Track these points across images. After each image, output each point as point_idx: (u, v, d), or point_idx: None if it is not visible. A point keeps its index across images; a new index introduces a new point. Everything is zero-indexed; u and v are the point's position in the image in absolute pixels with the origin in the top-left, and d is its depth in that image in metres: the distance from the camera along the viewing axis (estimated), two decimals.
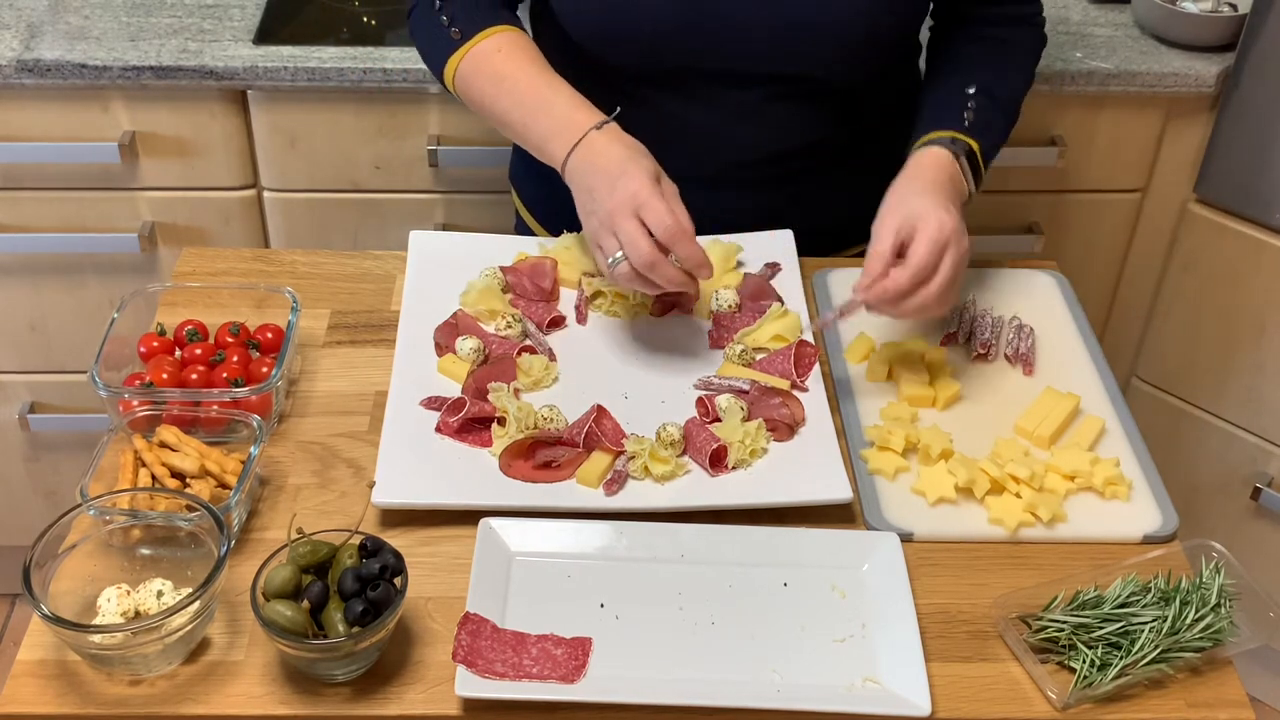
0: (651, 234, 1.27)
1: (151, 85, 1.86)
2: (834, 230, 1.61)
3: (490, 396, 1.31)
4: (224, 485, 1.22)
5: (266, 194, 1.99)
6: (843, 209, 1.60)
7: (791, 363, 1.37)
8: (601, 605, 1.16)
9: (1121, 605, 1.14)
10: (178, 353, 1.36)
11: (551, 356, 1.40)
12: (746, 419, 1.31)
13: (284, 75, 1.85)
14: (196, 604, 1.06)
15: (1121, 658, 1.11)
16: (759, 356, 1.40)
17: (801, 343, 1.40)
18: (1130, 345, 2.22)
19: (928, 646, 1.13)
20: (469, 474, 1.26)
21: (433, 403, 1.32)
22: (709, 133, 1.49)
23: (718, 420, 1.32)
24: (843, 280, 1.52)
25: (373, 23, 1.98)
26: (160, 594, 1.11)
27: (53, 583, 1.10)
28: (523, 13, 1.55)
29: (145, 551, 1.15)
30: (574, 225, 1.38)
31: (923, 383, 1.37)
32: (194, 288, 1.46)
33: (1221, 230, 2.01)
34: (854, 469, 1.30)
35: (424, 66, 1.53)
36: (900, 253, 1.30)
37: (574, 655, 1.10)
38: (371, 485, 1.22)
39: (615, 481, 1.25)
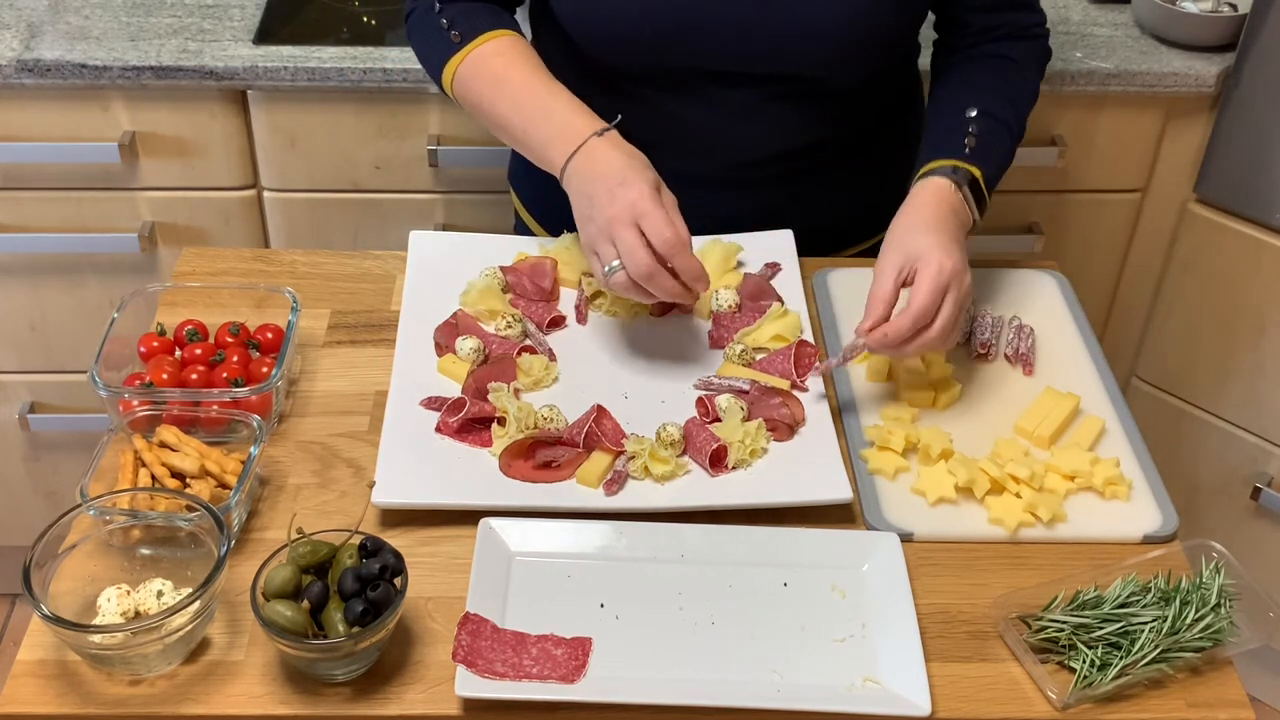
0: (650, 244, 1.27)
1: (151, 85, 1.86)
2: (834, 230, 1.61)
3: (490, 396, 1.31)
4: (224, 485, 1.22)
5: (266, 194, 1.99)
6: (843, 209, 1.60)
7: (791, 363, 1.37)
8: (601, 605, 1.16)
9: (1121, 605, 1.14)
10: (178, 353, 1.36)
11: (551, 356, 1.40)
12: (746, 419, 1.31)
13: (284, 75, 1.85)
14: (196, 604, 1.06)
15: (1121, 658, 1.11)
16: (759, 356, 1.40)
17: (801, 343, 1.40)
18: (1130, 345, 2.22)
19: (928, 646, 1.13)
20: (469, 474, 1.26)
21: (433, 403, 1.32)
22: (709, 133, 1.49)
23: (718, 420, 1.32)
24: (843, 280, 1.52)
25: (373, 23, 1.98)
26: (160, 594, 1.11)
27: (53, 583, 1.10)
28: (522, 14, 1.55)
29: (145, 551, 1.15)
30: (573, 225, 1.38)
31: (923, 383, 1.37)
32: (194, 288, 1.46)
33: (1221, 230, 2.01)
34: (854, 469, 1.30)
35: (415, 56, 1.52)
36: (907, 282, 1.31)
37: (574, 655, 1.10)
38: (371, 485, 1.22)
39: (615, 481, 1.25)
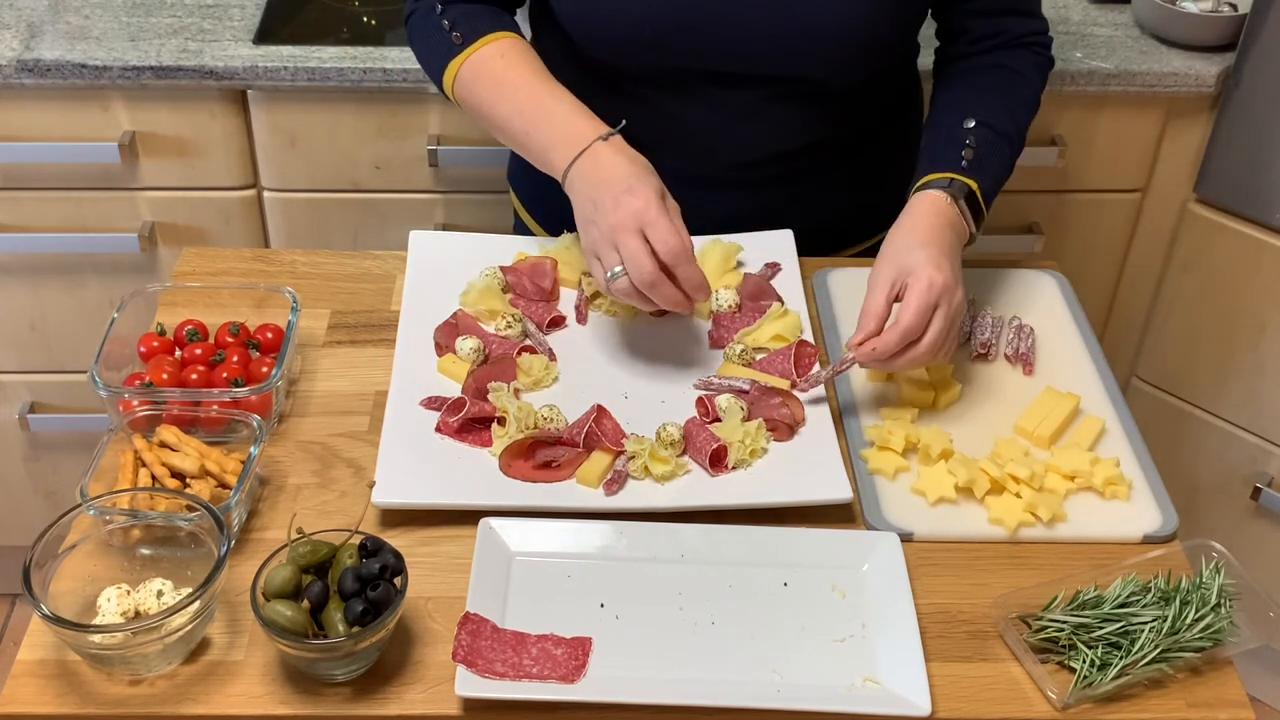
0: (654, 252, 1.27)
1: (151, 85, 1.86)
2: (834, 230, 1.61)
3: (490, 396, 1.31)
4: (224, 485, 1.22)
5: (266, 194, 1.99)
6: (843, 208, 1.60)
7: (791, 363, 1.37)
8: (601, 605, 1.16)
9: (1121, 605, 1.14)
10: (178, 353, 1.36)
11: (551, 356, 1.40)
12: (746, 419, 1.31)
13: (284, 75, 1.85)
14: (196, 604, 1.06)
15: (1121, 658, 1.11)
16: (759, 356, 1.40)
17: (801, 343, 1.40)
18: (1130, 345, 2.22)
19: (928, 646, 1.13)
20: (469, 474, 1.26)
21: (433, 403, 1.32)
22: (709, 133, 1.49)
23: (718, 420, 1.32)
24: (843, 280, 1.52)
25: (373, 23, 1.98)
26: (160, 594, 1.11)
27: (53, 583, 1.10)
28: (521, 14, 1.55)
29: (145, 551, 1.15)
30: (573, 225, 1.38)
31: (923, 383, 1.37)
32: (194, 288, 1.46)
33: (1221, 230, 2.01)
34: (854, 469, 1.30)
35: (415, 57, 1.52)
36: (899, 297, 1.31)
37: (574, 655, 1.10)
38: (371, 485, 1.22)
39: (615, 481, 1.25)
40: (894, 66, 1.56)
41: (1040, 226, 2.08)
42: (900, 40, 1.51)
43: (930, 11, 1.51)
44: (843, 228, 1.62)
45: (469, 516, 1.21)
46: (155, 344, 1.36)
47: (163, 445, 1.24)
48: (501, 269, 1.47)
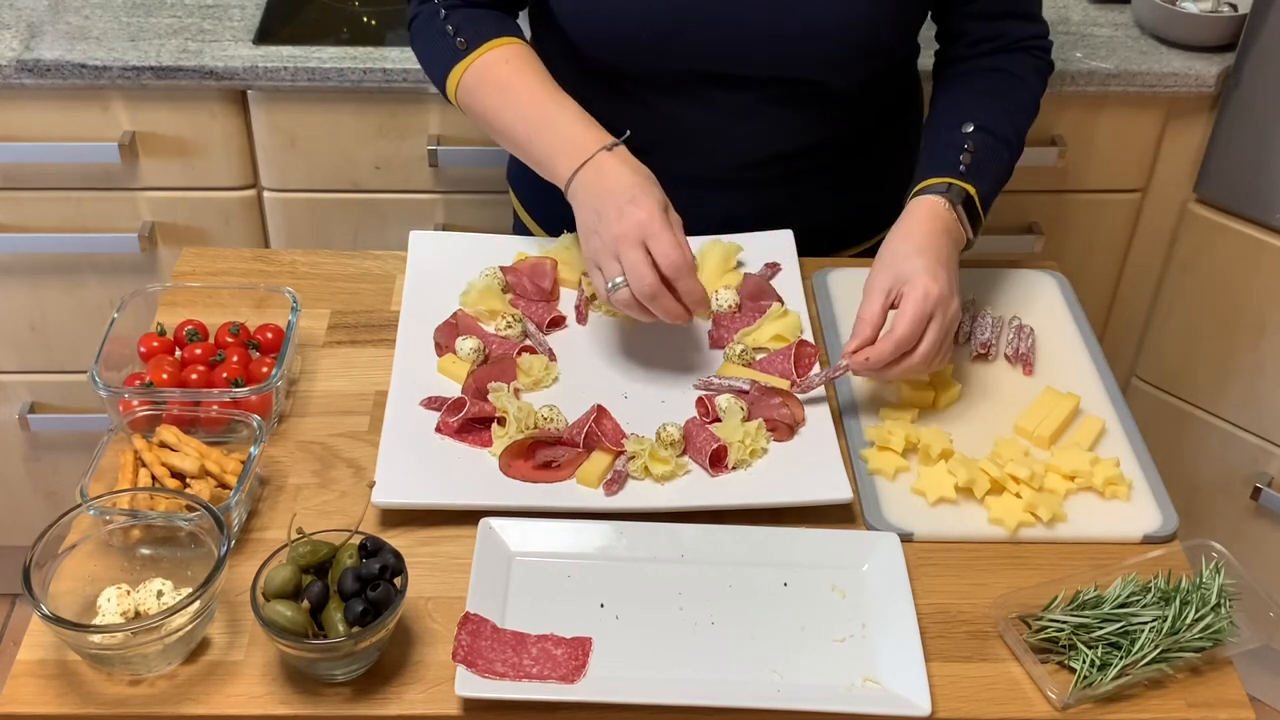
0: (655, 264, 1.27)
1: (151, 85, 1.86)
2: (834, 230, 1.61)
3: (490, 396, 1.31)
4: (224, 485, 1.22)
5: (266, 194, 1.99)
6: (843, 209, 1.60)
7: (791, 363, 1.37)
8: (601, 605, 1.16)
9: (1121, 605, 1.14)
10: (178, 353, 1.36)
11: (551, 356, 1.40)
12: (746, 419, 1.31)
13: (284, 75, 1.85)
14: (196, 604, 1.06)
15: (1121, 658, 1.11)
16: (759, 356, 1.40)
17: (801, 343, 1.40)
18: (1130, 345, 2.22)
19: (928, 646, 1.13)
20: (469, 474, 1.26)
21: (433, 403, 1.32)
22: (709, 134, 1.49)
23: (718, 420, 1.32)
24: (843, 281, 1.52)
25: (373, 23, 1.98)
26: (160, 594, 1.11)
27: (53, 583, 1.10)
28: (522, 15, 1.55)
29: (145, 551, 1.15)
30: (572, 226, 1.38)
31: (923, 383, 1.37)
32: (194, 288, 1.46)
33: (1221, 230, 2.01)
34: (854, 469, 1.30)
35: (418, 60, 1.52)
36: (895, 304, 1.31)
37: (574, 655, 1.10)
38: (371, 485, 1.22)
39: (615, 481, 1.25)
40: (894, 67, 1.56)
41: (1040, 226, 2.08)
42: (900, 41, 1.50)
43: (930, 14, 1.51)
44: (843, 228, 1.62)
45: (469, 516, 1.21)
46: (155, 344, 1.36)
47: (163, 445, 1.24)
48: (501, 269, 1.47)
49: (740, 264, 1.51)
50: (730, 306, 1.44)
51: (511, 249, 1.52)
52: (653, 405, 1.34)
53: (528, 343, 1.40)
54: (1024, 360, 1.43)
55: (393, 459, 1.25)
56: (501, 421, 1.29)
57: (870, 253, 1.60)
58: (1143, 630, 1.12)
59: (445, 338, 1.39)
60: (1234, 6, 1.98)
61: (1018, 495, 1.27)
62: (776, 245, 1.52)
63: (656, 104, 1.47)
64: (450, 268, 1.48)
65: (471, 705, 1.08)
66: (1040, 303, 1.52)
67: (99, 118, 1.90)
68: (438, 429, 1.30)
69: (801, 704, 1.08)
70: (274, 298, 1.40)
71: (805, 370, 1.37)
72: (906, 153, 1.52)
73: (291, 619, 1.05)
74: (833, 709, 1.08)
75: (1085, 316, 1.50)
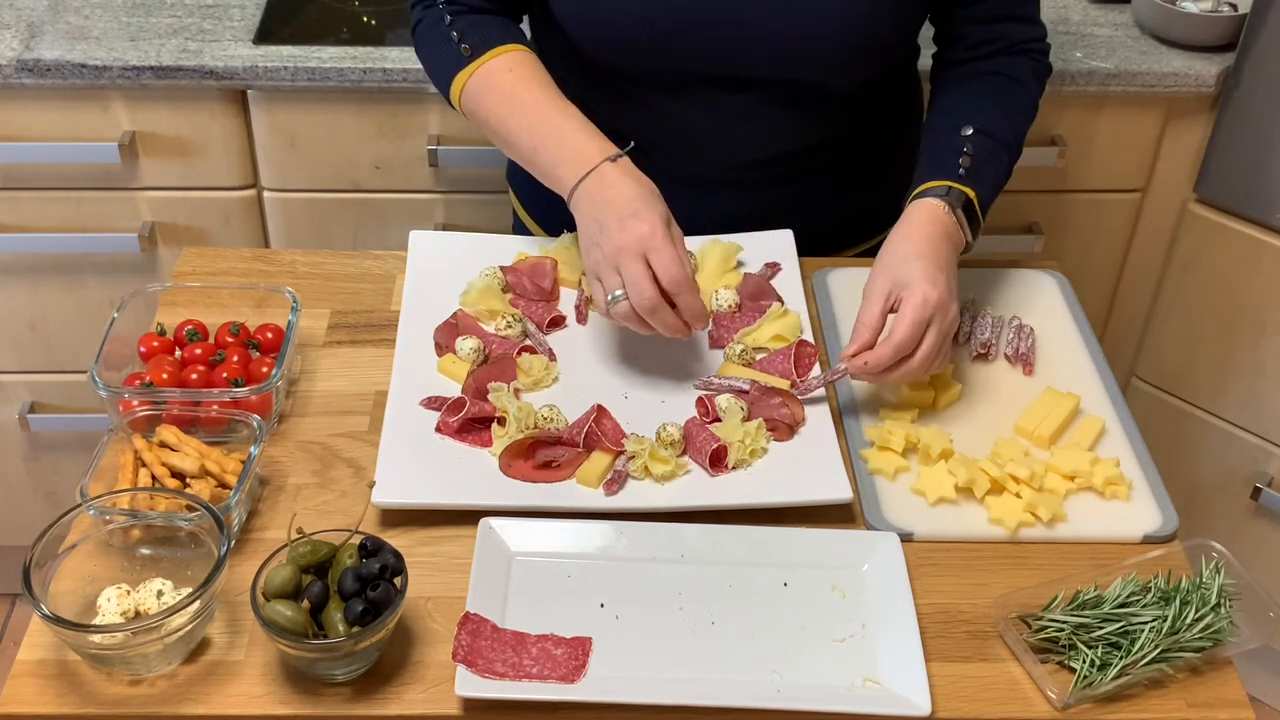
0: (656, 278, 1.27)
1: (151, 85, 1.86)
2: (834, 230, 1.61)
3: (490, 396, 1.31)
4: (224, 485, 1.22)
5: (266, 194, 1.99)
6: (843, 209, 1.60)
7: (791, 363, 1.37)
8: (601, 605, 1.16)
9: (1121, 605, 1.14)
10: (178, 353, 1.36)
11: (551, 356, 1.40)
12: (746, 419, 1.31)
13: (284, 75, 1.85)
14: (196, 604, 1.06)
15: (1121, 658, 1.11)
16: (759, 356, 1.40)
17: (801, 343, 1.40)
18: (1130, 345, 2.22)
19: (928, 646, 1.13)
20: (469, 474, 1.26)
21: (433, 403, 1.32)
22: (709, 134, 1.49)
23: (718, 420, 1.32)
24: (843, 281, 1.52)
25: (373, 23, 1.98)
26: (160, 594, 1.11)
27: (53, 583, 1.10)
28: (523, 21, 1.55)
29: (145, 551, 1.15)
30: (572, 226, 1.38)
31: (923, 383, 1.37)
32: (194, 288, 1.46)
33: (1221, 230, 2.01)
34: (854, 469, 1.30)
35: (422, 65, 1.52)
36: (894, 308, 1.31)
37: (574, 655, 1.10)
38: (371, 485, 1.22)
39: (615, 481, 1.25)
40: (894, 67, 1.55)
41: (1040, 226, 2.08)
42: (900, 42, 1.50)
43: (929, 19, 1.51)
44: (843, 228, 1.62)
45: (469, 516, 1.21)
46: (155, 344, 1.36)
47: (163, 445, 1.24)
48: (501, 269, 1.47)
49: (740, 264, 1.51)
50: (730, 306, 1.44)
51: (511, 249, 1.52)
52: (653, 405, 1.34)
53: (528, 343, 1.40)
54: (1024, 360, 1.43)
55: (393, 459, 1.25)
56: (501, 421, 1.29)
57: (870, 253, 1.60)
58: (1143, 630, 1.12)
59: (445, 338, 1.39)
60: (1234, 6, 1.98)
61: (1018, 495, 1.27)
62: (776, 245, 1.52)
63: (656, 104, 1.47)
64: (450, 268, 1.48)
65: (471, 705, 1.08)
66: (1040, 303, 1.52)
67: (99, 118, 1.90)
68: (438, 429, 1.30)
69: (801, 704, 1.08)
70: (274, 298, 1.40)
71: (805, 370, 1.37)
72: (906, 153, 1.51)
73: (291, 619, 1.05)
74: (833, 709, 1.08)
75: (1085, 316, 1.50)
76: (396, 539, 1.17)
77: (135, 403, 1.26)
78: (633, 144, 1.36)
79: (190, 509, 1.14)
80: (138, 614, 1.10)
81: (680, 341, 1.41)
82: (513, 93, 1.40)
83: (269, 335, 1.37)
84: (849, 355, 1.31)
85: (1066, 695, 1.10)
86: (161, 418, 1.26)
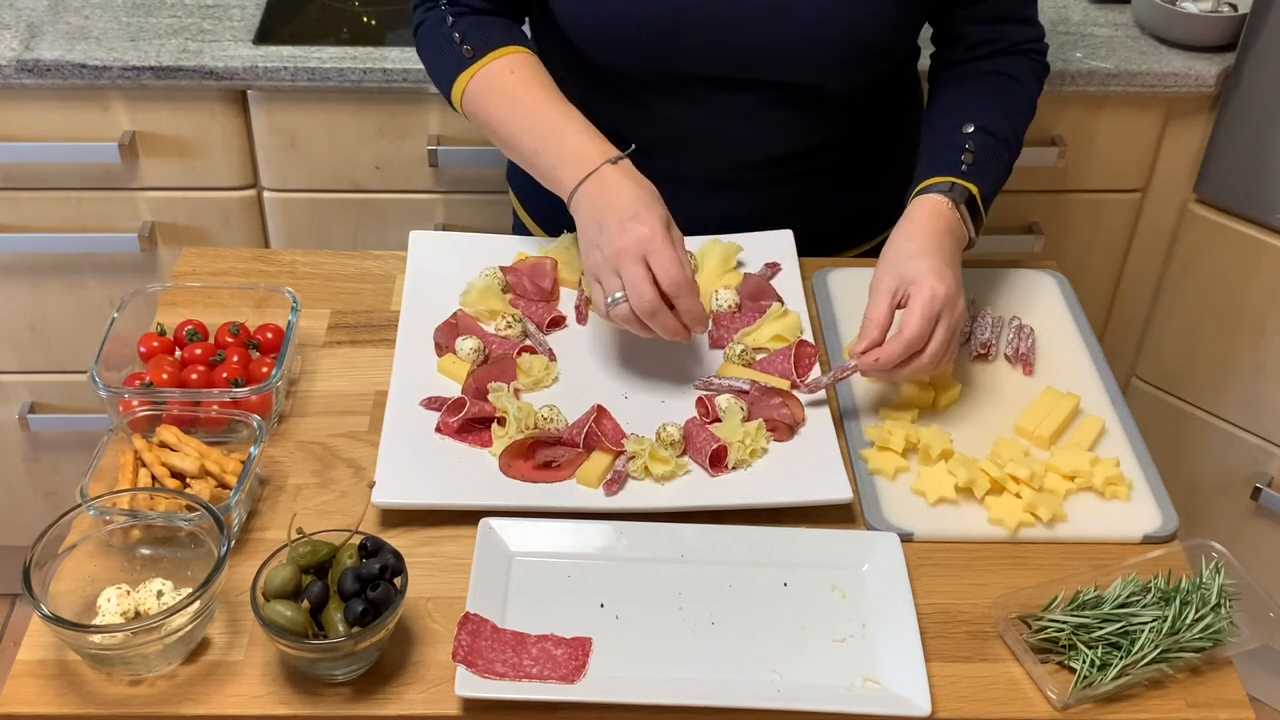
0: (656, 281, 1.27)
1: (151, 85, 1.86)
2: (834, 230, 1.61)
3: (490, 396, 1.31)
4: (224, 485, 1.22)
5: (266, 194, 1.99)
6: (843, 209, 1.60)
7: (791, 363, 1.37)
8: (601, 605, 1.16)
9: (1121, 605, 1.14)
10: (178, 353, 1.36)
11: (551, 356, 1.40)
12: (746, 419, 1.31)
13: (284, 75, 1.85)
14: (196, 604, 1.06)
15: (1121, 658, 1.11)
16: (759, 356, 1.40)
17: (801, 343, 1.40)
18: (1130, 345, 2.22)
19: (928, 646, 1.13)
20: (469, 474, 1.26)
21: (433, 403, 1.32)
22: (708, 135, 1.49)
23: (718, 420, 1.32)
24: (843, 281, 1.52)
25: (373, 23, 1.98)
26: (160, 594, 1.11)
27: (53, 583, 1.10)
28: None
29: (145, 551, 1.15)
30: (572, 226, 1.38)
31: (923, 383, 1.37)
32: (194, 288, 1.46)
33: (1221, 230, 2.01)
34: (854, 469, 1.30)
35: (424, 66, 1.52)
36: (901, 304, 1.31)
37: (574, 655, 1.10)
38: (371, 485, 1.22)
39: (615, 481, 1.25)
40: (894, 68, 1.55)
41: (1040, 226, 2.08)
42: (900, 43, 1.50)
43: (928, 19, 1.51)
44: (843, 228, 1.62)
45: (469, 516, 1.21)
46: (155, 344, 1.36)
47: (163, 445, 1.24)
48: (501, 269, 1.47)
49: (740, 264, 1.51)
50: (730, 306, 1.44)
51: (511, 249, 1.52)
52: (653, 405, 1.34)
53: (528, 343, 1.40)
54: (1024, 360, 1.43)
55: (393, 459, 1.25)
56: (501, 421, 1.29)
57: (870, 254, 1.61)
58: (1143, 630, 1.12)
59: (445, 338, 1.39)
60: (1234, 6, 1.98)
61: (1018, 495, 1.27)
62: (776, 245, 1.52)
63: (656, 105, 1.47)
64: (450, 268, 1.48)
65: (471, 705, 1.08)
66: (1040, 303, 1.52)
67: (99, 118, 1.90)
68: (438, 429, 1.30)
69: (801, 704, 1.08)
70: (274, 298, 1.40)
71: (805, 370, 1.37)
72: (906, 153, 1.51)
73: (291, 619, 1.05)
74: (833, 709, 1.08)
75: (1085, 316, 1.50)
76: (396, 539, 1.17)
77: (135, 403, 1.26)
78: (634, 146, 1.36)
79: (190, 509, 1.14)
80: (138, 614, 1.10)
81: (680, 342, 1.41)
82: (514, 94, 1.40)
83: (269, 335, 1.37)
84: (858, 352, 1.31)
85: (1066, 695, 1.10)
86: (161, 418, 1.26)
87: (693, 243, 1.50)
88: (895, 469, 1.29)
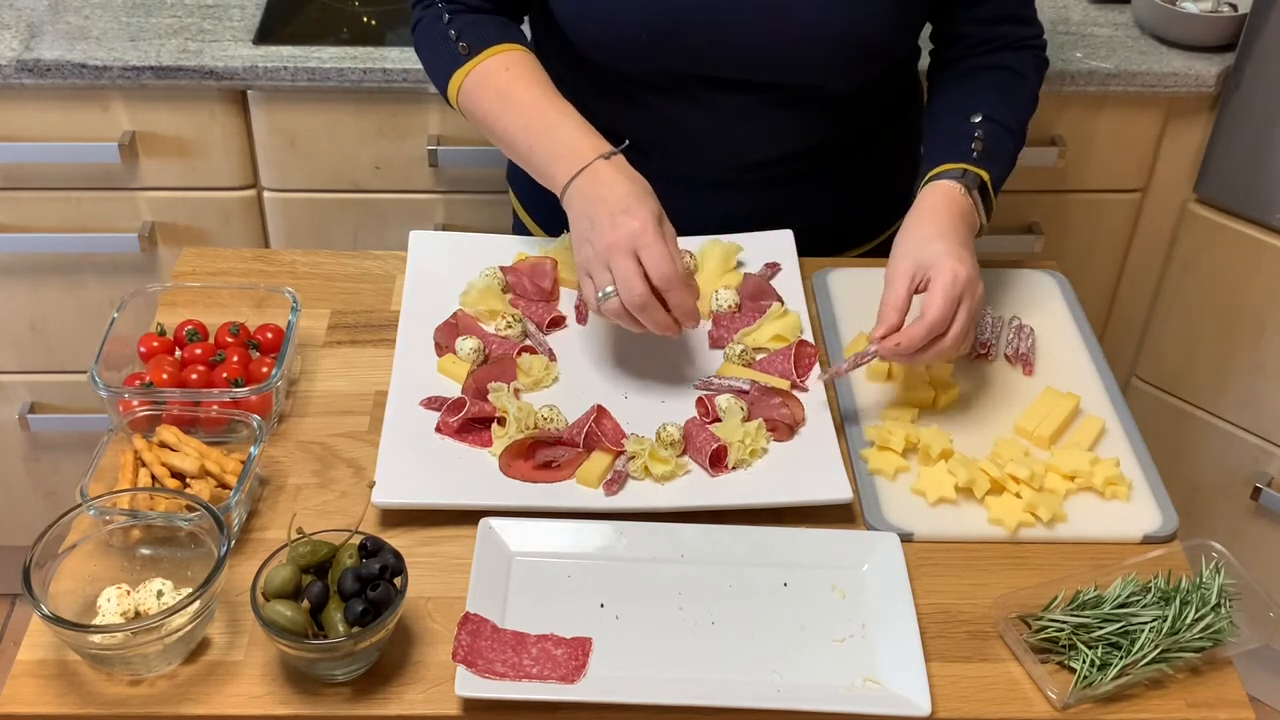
0: (647, 275, 1.27)
1: (151, 85, 1.86)
2: (835, 230, 1.61)
3: (490, 396, 1.31)
4: (224, 485, 1.22)
5: (266, 194, 1.99)
6: (843, 209, 1.60)
7: (791, 363, 1.37)
8: (601, 605, 1.16)
9: (1121, 605, 1.14)
10: (178, 353, 1.36)
11: (551, 356, 1.40)
12: (746, 419, 1.31)
13: (284, 75, 1.85)
14: (196, 604, 1.06)
15: (1121, 658, 1.11)
16: (759, 356, 1.40)
17: (801, 343, 1.40)
18: (1130, 345, 2.22)
19: (928, 646, 1.13)
20: (469, 474, 1.26)
21: (433, 403, 1.32)
22: (708, 135, 1.49)
23: (718, 420, 1.32)
24: (843, 281, 1.52)
25: (373, 23, 1.98)
26: (160, 594, 1.11)
27: (53, 583, 1.10)
28: (523, 21, 1.55)
29: (145, 551, 1.15)
30: None
31: (923, 383, 1.37)
32: (194, 288, 1.46)
33: (1221, 230, 2.01)
34: (854, 469, 1.30)
35: (421, 64, 1.52)
36: (919, 289, 1.30)
37: (574, 655, 1.10)
38: (371, 485, 1.22)
39: (615, 481, 1.25)
40: (894, 69, 1.55)
41: (1040, 226, 2.08)
42: (900, 43, 1.50)
43: (928, 19, 1.51)
44: (843, 228, 1.62)
45: (469, 516, 1.21)
46: (155, 344, 1.36)
47: (163, 445, 1.24)
48: (501, 269, 1.47)
49: (740, 264, 1.51)
50: (730, 306, 1.44)
51: (511, 249, 1.52)
52: (653, 405, 1.34)
53: (528, 343, 1.40)
54: (1024, 360, 1.43)
55: (393, 459, 1.25)
56: (501, 421, 1.29)
57: (871, 254, 1.61)
58: (1143, 630, 1.12)
59: (445, 338, 1.39)
60: (1234, 6, 1.98)
61: (1018, 495, 1.27)
62: (776, 245, 1.52)
63: (656, 105, 1.47)
64: (450, 268, 1.48)
65: (471, 705, 1.08)
66: (1040, 303, 1.52)
67: (99, 118, 1.90)
68: (438, 429, 1.30)
69: (801, 704, 1.08)
70: (274, 298, 1.40)
71: (805, 370, 1.37)
72: (906, 153, 1.51)
73: (291, 619, 1.05)
74: (833, 709, 1.08)
75: (1085, 316, 1.50)
76: (396, 539, 1.17)
77: (135, 403, 1.26)
78: (627, 142, 1.36)
79: (190, 509, 1.14)
80: (138, 614, 1.10)
81: (680, 342, 1.41)
82: (509, 91, 1.40)
83: (269, 335, 1.37)
84: (877, 337, 1.30)
85: (1066, 695, 1.10)
86: (161, 418, 1.26)
87: (693, 243, 1.50)
88: (895, 469, 1.29)
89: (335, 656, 1.06)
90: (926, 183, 1.39)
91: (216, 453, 1.24)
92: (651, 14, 1.38)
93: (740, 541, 1.21)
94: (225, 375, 1.31)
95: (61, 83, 1.85)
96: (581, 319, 1.45)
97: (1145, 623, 1.13)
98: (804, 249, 1.53)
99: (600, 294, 1.28)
